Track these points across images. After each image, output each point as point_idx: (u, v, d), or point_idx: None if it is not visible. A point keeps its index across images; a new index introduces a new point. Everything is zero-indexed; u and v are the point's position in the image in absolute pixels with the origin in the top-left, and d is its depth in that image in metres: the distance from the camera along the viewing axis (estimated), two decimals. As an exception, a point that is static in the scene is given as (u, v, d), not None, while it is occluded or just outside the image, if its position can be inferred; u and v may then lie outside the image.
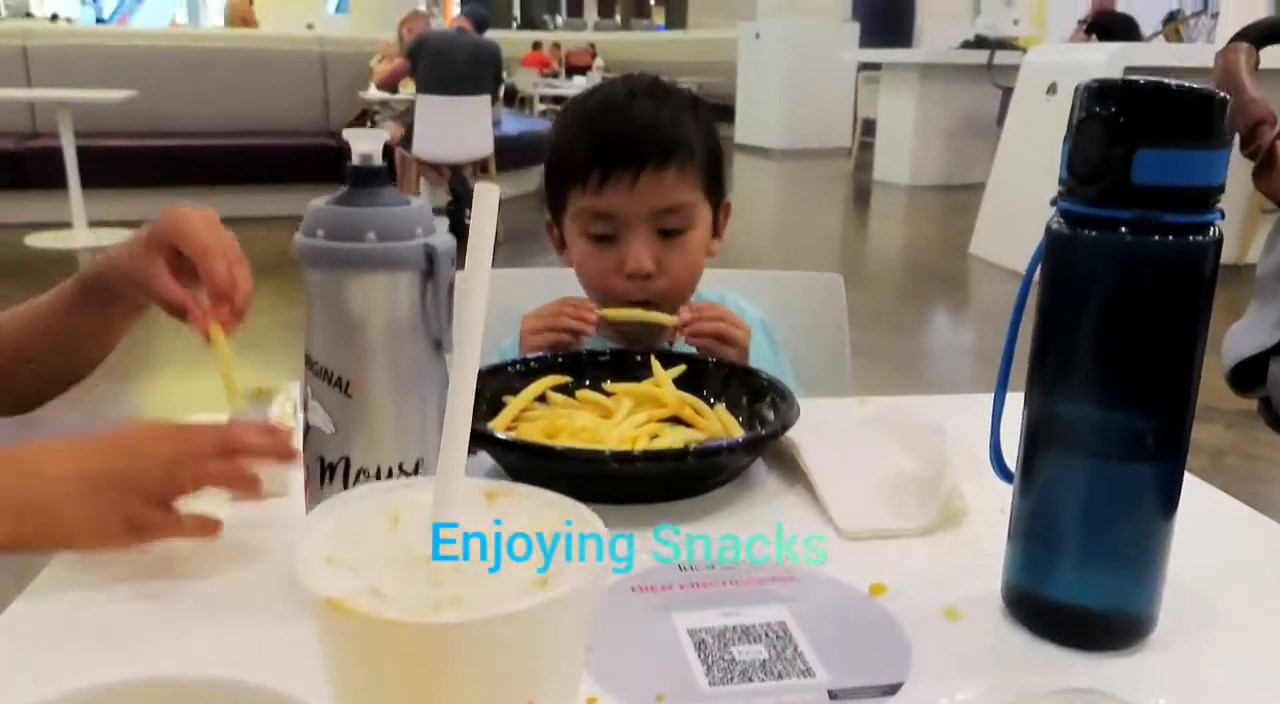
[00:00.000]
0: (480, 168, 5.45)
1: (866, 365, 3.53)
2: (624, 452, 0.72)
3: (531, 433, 0.78)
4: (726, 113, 10.46)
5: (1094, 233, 0.51)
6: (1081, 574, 0.56)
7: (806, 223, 6.73)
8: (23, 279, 4.43)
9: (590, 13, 16.66)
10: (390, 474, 0.58)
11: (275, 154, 5.89)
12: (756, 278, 1.31)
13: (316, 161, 5.96)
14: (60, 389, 0.90)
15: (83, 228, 5.12)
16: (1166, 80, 0.49)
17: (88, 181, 5.10)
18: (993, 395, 0.61)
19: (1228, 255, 0.56)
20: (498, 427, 0.80)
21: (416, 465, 0.59)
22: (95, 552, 0.62)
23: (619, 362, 0.92)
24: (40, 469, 0.61)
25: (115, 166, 5.47)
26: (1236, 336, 1.28)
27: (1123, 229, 0.50)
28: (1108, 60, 4.49)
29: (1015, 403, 0.59)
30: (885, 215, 7.13)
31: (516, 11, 19.55)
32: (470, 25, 5.51)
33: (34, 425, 0.81)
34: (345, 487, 0.58)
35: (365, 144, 0.57)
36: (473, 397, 0.41)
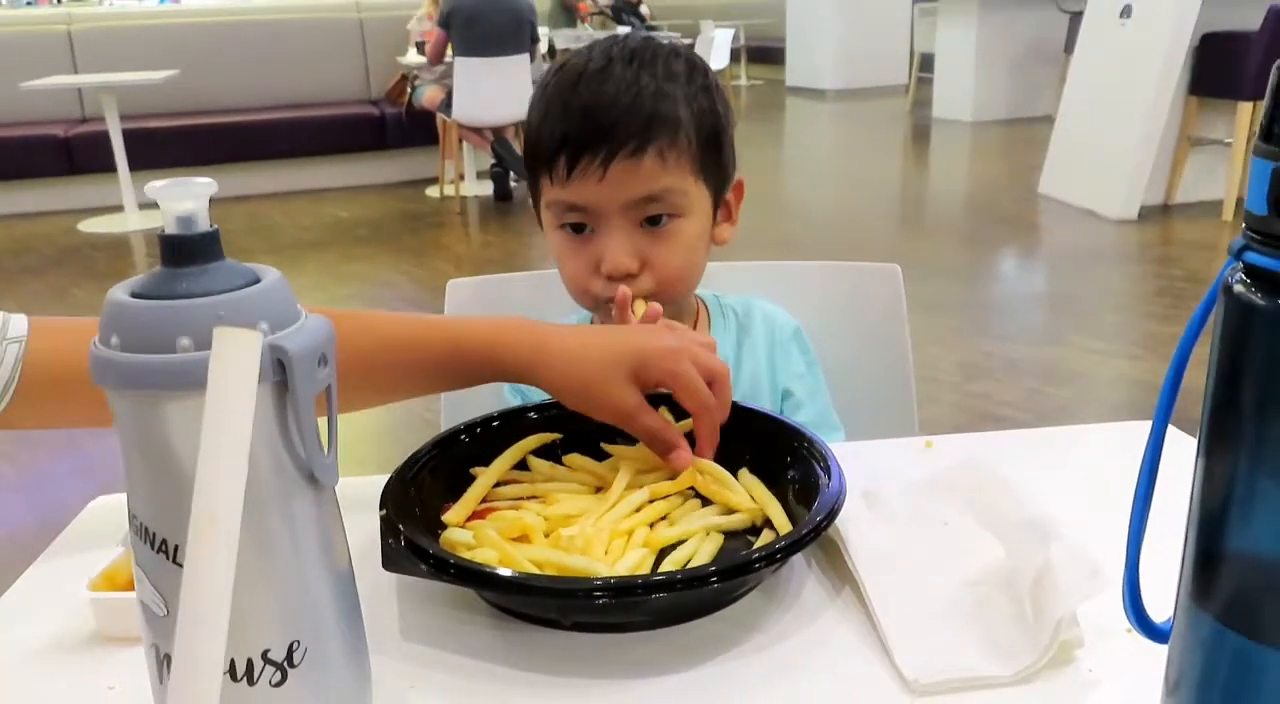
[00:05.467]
0: (523, 127, 5.24)
1: (931, 321, 3.28)
2: (614, 581, 0.53)
3: (502, 527, 0.60)
4: (777, 55, 10.05)
5: (1317, 308, 0.30)
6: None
7: (863, 166, 6.37)
8: (77, 265, 4.39)
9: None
10: (249, 671, 0.40)
11: (317, 125, 5.75)
12: (802, 270, 1.10)
13: (359, 130, 5.82)
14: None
15: (134, 211, 5.06)
16: None
17: (136, 164, 5.03)
18: (1132, 499, 0.41)
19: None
20: (457, 518, 0.62)
21: (289, 653, 0.41)
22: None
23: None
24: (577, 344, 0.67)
25: (162, 147, 5.39)
26: None
27: (1372, 305, 0.29)
28: (1188, -23, 4.07)
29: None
30: (947, 155, 6.73)
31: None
32: None
33: None
34: (192, 688, 0.40)
35: (182, 201, 0.39)
36: (221, 647, 0.23)
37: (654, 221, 0.84)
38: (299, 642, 0.41)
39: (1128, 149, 4.14)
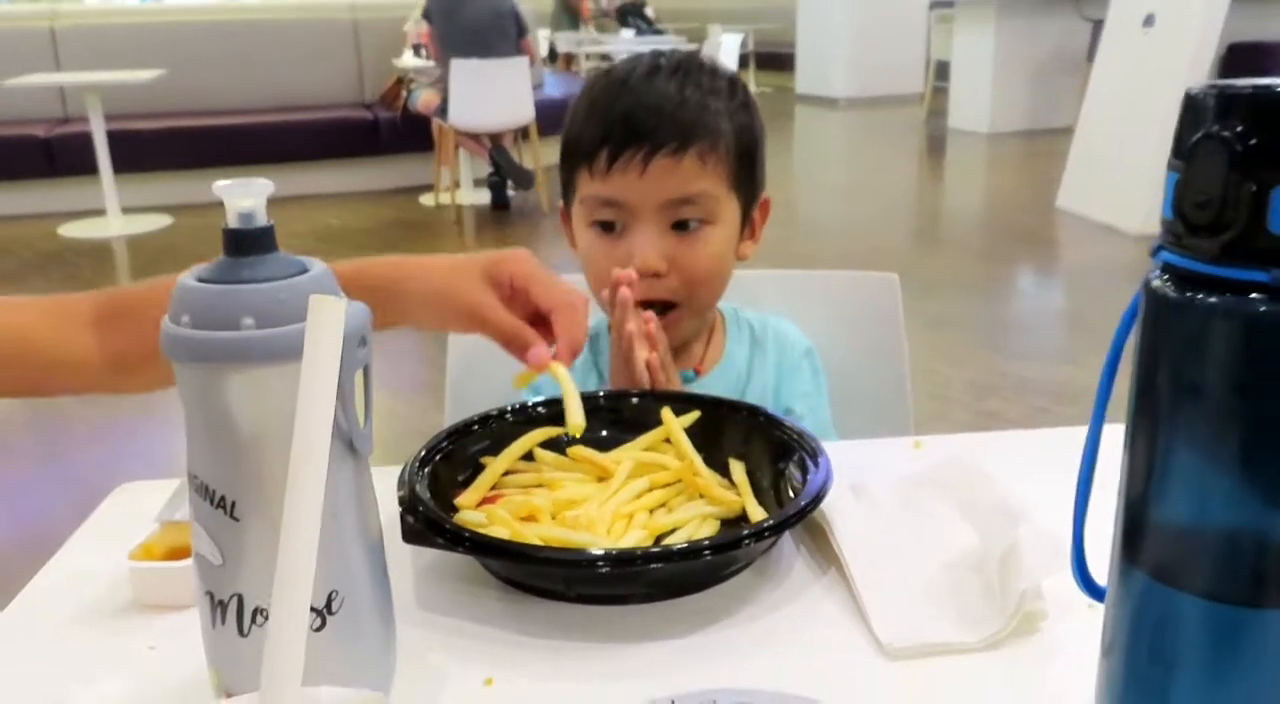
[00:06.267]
0: (521, 135, 5.34)
1: (943, 338, 3.37)
2: (615, 552, 0.61)
3: (512, 508, 0.68)
4: (786, 61, 10.17)
5: (1213, 298, 0.38)
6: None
7: (876, 178, 6.48)
8: (57, 271, 4.48)
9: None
10: (294, 616, 0.48)
11: (309, 129, 5.86)
12: (802, 279, 1.18)
13: (352, 135, 5.92)
14: None
15: (116, 215, 5.15)
16: (1320, 86, 0.36)
17: (120, 166, 5.12)
18: (1078, 471, 0.48)
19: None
20: (469, 501, 0.70)
21: (329, 601, 0.48)
22: None
23: (621, 406, 0.81)
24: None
25: (147, 149, 5.49)
26: None
27: (1255, 295, 0.37)
28: (1212, -14, 4.17)
29: (1106, 484, 0.46)
30: (963, 166, 6.84)
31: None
32: None
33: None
34: (240, 630, 0.48)
35: (244, 199, 0.47)
36: (310, 579, 0.31)
37: (684, 227, 0.92)
38: (337, 592, 0.49)
39: (1149, 162, 4.23)
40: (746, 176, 0.96)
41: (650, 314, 0.87)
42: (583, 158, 0.93)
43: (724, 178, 0.93)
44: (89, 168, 5.10)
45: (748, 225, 0.99)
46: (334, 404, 0.33)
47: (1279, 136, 0.36)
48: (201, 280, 0.47)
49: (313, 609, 0.48)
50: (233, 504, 0.47)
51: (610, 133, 0.91)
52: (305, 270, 0.48)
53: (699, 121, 0.91)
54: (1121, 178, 4.51)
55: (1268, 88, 0.37)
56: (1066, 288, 4.15)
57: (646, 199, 0.91)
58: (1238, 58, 4.59)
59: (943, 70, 8.09)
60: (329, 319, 0.30)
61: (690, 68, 0.94)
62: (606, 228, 0.94)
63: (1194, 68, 4.23)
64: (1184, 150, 0.39)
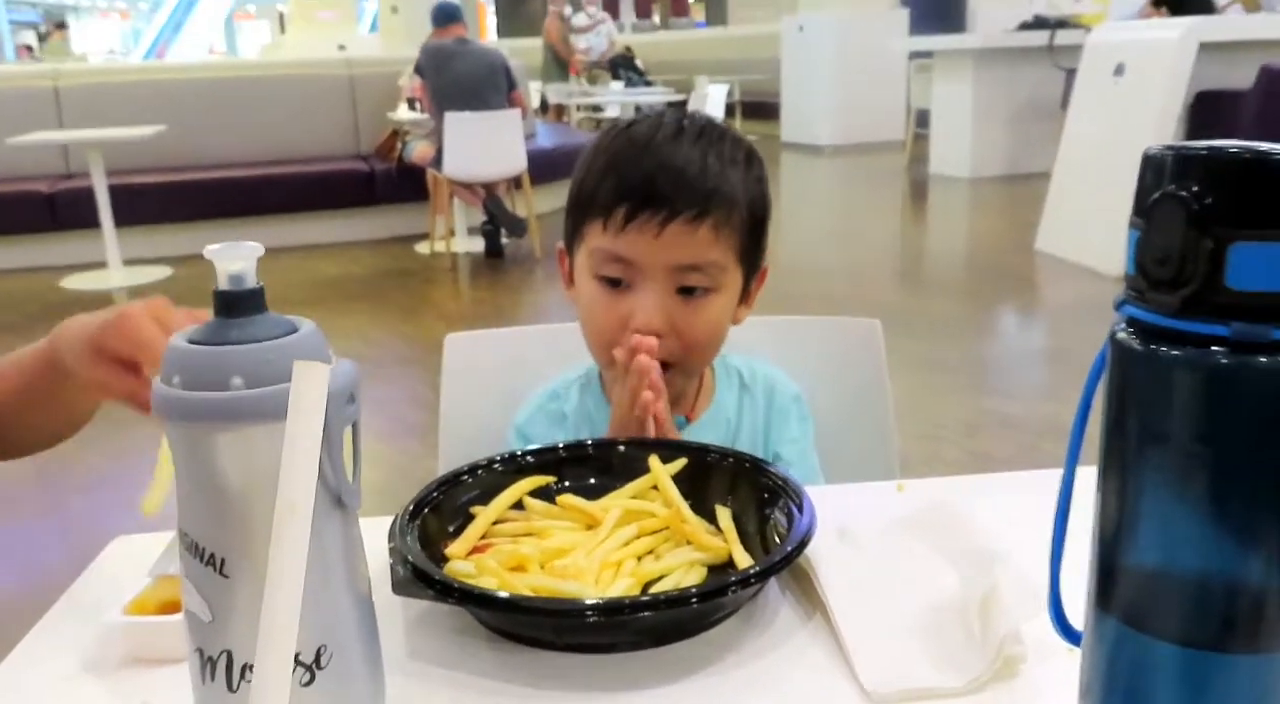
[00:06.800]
0: (514, 184, 5.38)
1: (930, 379, 3.38)
2: (603, 602, 0.61)
3: (501, 558, 0.67)
4: (772, 110, 10.30)
5: (1176, 351, 0.39)
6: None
7: (861, 222, 6.54)
8: (58, 322, 4.46)
9: (627, 14, 16.57)
10: (283, 672, 0.47)
11: (307, 181, 5.90)
12: (786, 325, 1.18)
13: (348, 186, 5.96)
14: (42, 446, 0.88)
15: (118, 267, 5.16)
16: (1269, 147, 0.36)
17: (121, 220, 5.14)
18: (1057, 500, 0.49)
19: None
20: (459, 551, 0.69)
21: (318, 656, 0.48)
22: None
23: (609, 455, 0.81)
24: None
25: (148, 203, 5.52)
26: None
27: (1215, 348, 0.38)
28: (1181, 36, 4.25)
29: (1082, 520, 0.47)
30: (944, 211, 6.91)
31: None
32: (460, 31, 5.33)
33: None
34: (229, 686, 0.48)
35: (234, 262, 0.47)
36: (292, 651, 0.31)
37: (689, 292, 0.91)
38: (326, 646, 0.48)
39: (1123, 205, 4.21)
40: (753, 247, 0.95)
41: (656, 365, 0.87)
42: (598, 211, 0.91)
43: (733, 248, 0.92)
44: (91, 221, 5.12)
45: (746, 292, 0.99)
46: (317, 464, 0.34)
47: (1234, 195, 0.37)
48: (192, 342, 0.47)
49: (302, 664, 0.48)
50: (222, 561, 0.47)
51: (630, 191, 0.89)
52: (295, 330, 0.48)
53: (718, 191, 0.90)
54: (1097, 221, 4.55)
55: (1221, 149, 0.38)
56: (1047, 327, 4.17)
57: (657, 261, 0.90)
58: (1205, 105, 4.66)
59: (923, 118, 8.20)
60: (313, 383, 0.31)
61: (713, 136, 0.93)
62: (612, 283, 0.92)
63: (1163, 115, 4.29)
64: (1144, 208, 0.40)
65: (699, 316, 0.92)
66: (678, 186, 0.89)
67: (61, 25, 18.97)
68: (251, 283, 0.48)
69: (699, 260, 0.90)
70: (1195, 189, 0.37)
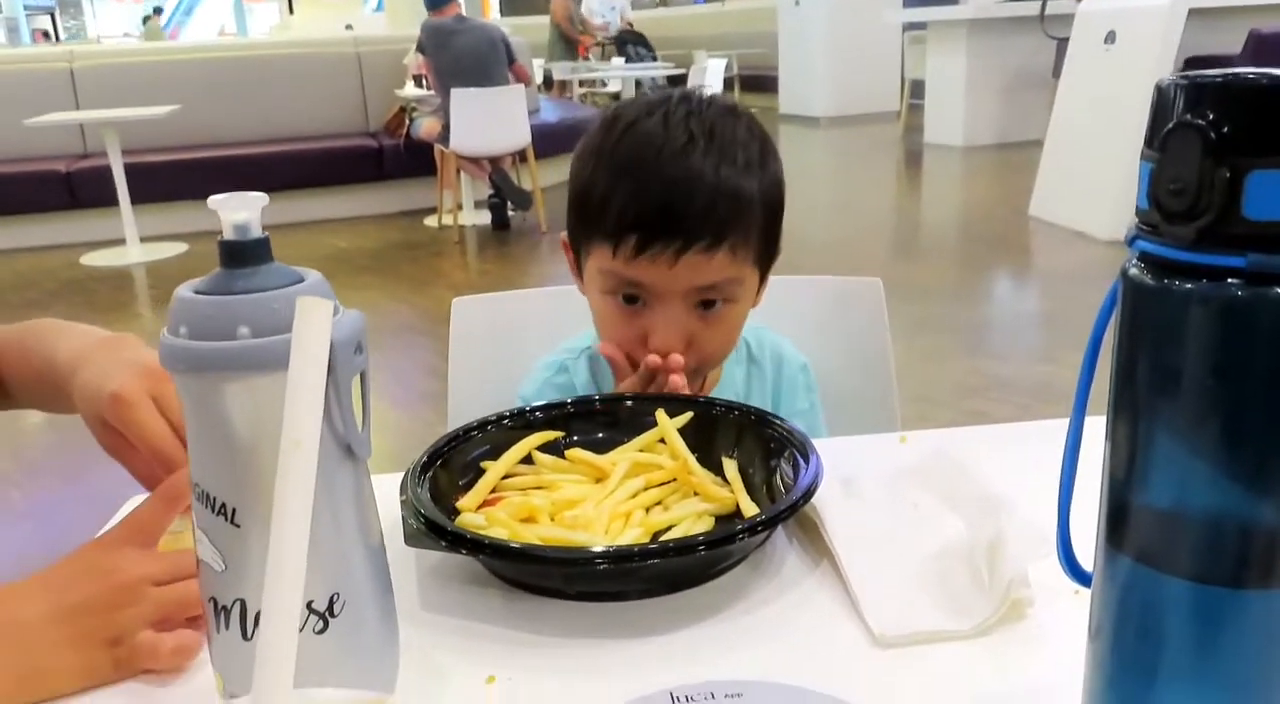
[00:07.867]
0: (519, 157, 5.34)
1: (926, 342, 3.36)
2: (613, 550, 0.59)
3: (512, 510, 0.66)
4: (770, 83, 10.20)
5: (1190, 284, 0.37)
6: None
7: (857, 191, 6.49)
8: (79, 298, 4.46)
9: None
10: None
11: (317, 158, 5.86)
12: (787, 285, 1.16)
13: (358, 162, 5.93)
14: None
15: (135, 244, 5.15)
16: (1287, 71, 0.34)
17: (137, 197, 5.13)
18: (1063, 453, 0.47)
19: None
20: (471, 503, 0.68)
21: (330, 603, 0.47)
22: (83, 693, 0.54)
23: (617, 409, 0.79)
24: (14, 616, 0.54)
25: (163, 181, 5.49)
26: None
27: (1232, 280, 0.36)
28: (1171, 3, 4.18)
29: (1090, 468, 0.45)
30: (939, 179, 6.85)
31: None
32: (455, 9, 5.24)
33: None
34: (244, 634, 0.46)
35: (238, 212, 0.45)
36: (299, 590, 0.29)
37: (707, 305, 0.87)
38: (339, 595, 0.47)
39: (1115, 172, 4.23)
40: (770, 247, 0.91)
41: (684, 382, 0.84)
42: (606, 235, 0.84)
43: (750, 257, 0.88)
44: (108, 199, 5.11)
45: (763, 278, 0.94)
46: (322, 400, 0.32)
47: (1252, 123, 0.35)
48: (199, 292, 0.45)
49: (315, 611, 0.47)
50: (233, 511, 0.45)
51: (640, 219, 0.82)
52: (301, 280, 0.46)
53: (734, 214, 0.84)
54: (1089, 186, 4.51)
55: (1239, 76, 0.36)
56: (1041, 291, 4.14)
57: (673, 286, 0.85)
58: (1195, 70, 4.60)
59: (917, 88, 8.12)
60: (316, 319, 0.29)
61: (725, 138, 0.85)
62: (628, 299, 0.87)
63: (1153, 81, 4.22)
64: (1157, 139, 0.38)
65: (718, 328, 0.89)
66: (691, 214, 0.82)
67: (159, 10, 18.87)
68: (256, 232, 0.46)
69: (716, 281, 0.85)
70: (1211, 117, 0.35)
